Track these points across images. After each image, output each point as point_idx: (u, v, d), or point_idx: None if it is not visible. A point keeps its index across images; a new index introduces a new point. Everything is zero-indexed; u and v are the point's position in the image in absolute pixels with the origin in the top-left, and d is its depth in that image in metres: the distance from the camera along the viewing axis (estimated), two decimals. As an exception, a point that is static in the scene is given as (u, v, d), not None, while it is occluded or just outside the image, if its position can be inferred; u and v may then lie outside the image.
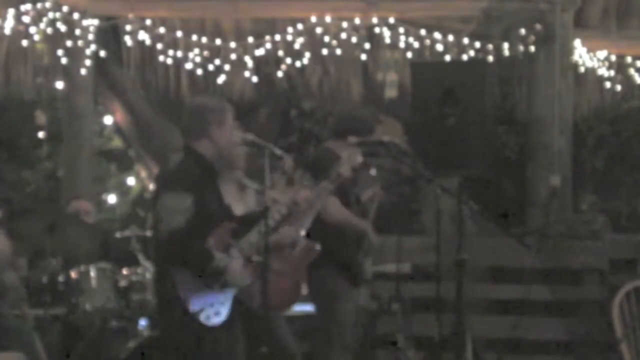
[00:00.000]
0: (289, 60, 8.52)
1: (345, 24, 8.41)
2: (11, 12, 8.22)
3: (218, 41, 8.55)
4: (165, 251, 4.72)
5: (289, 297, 5.15)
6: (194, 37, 8.53)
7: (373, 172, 5.96)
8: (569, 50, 8.49)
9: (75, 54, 8.39)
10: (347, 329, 5.77)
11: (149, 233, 6.52)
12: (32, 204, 9.86)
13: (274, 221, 4.92)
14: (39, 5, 8.28)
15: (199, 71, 8.53)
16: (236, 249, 4.78)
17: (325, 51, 8.46)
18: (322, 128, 9.43)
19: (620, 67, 9.19)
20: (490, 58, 8.26)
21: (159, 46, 8.47)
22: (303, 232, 5.32)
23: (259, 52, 8.52)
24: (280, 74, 8.61)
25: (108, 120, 10.12)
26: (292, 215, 5.20)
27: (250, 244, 4.80)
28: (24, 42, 8.29)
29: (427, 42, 8.40)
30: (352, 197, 5.88)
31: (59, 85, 8.66)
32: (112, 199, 10.65)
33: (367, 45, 8.47)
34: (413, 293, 6.85)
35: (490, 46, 8.36)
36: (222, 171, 5.13)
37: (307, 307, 5.96)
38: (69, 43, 8.32)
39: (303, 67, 8.59)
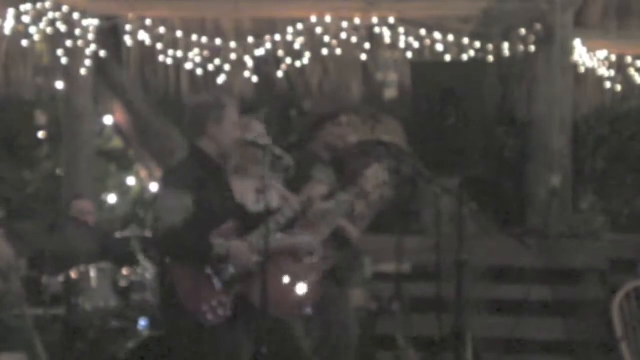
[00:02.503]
0: (289, 60, 8.52)
1: (345, 24, 8.40)
2: (11, 12, 8.22)
3: (218, 41, 8.55)
4: (164, 248, 4.75)
5: (303, 301, 5.19)
6: (194, 37, 8.53)
7: (386, 174, 5.96)
8: (569, 50, 8.48)
9: (75, 54, 8.40)
10: (340, 330, 5.74)
11: (148, 233, 6.53)
12: (32, 204, 9.88)
13: (285, 218, 4.93)
14: (39, 5, 8.27)
15: (199, 71, 8.53)
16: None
17: (325, 51, 8.45)
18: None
19: (620, 67, 9.19)
20: (490, 58, 8.26)
21: (159, 46, 8.47)
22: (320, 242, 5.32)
23: (259, 52, 8.52)
24: (280, 74, 8.61)
25: (108, 120, 10.11)
26: (309, 219, 5.23)
27: (250, 244, 4.80)
28: (24, 42, 8.29)
29: (427, 42, 8.40)
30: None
31: (59, 85, 8.66)
32: (112, 199, 10.65)
33: (367, 45, 8.46)
34: (413, 293, 6.85)
35: (490, 46, 8.36)
36: (242, 166, 5.18)
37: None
38: (69, 43, 8.32)
39: (303, 67, 8.59)
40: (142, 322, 6.07)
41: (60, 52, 8.37)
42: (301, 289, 5.08)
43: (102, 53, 8.56)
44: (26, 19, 8.24)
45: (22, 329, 5.11)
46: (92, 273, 6.10)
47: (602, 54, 9.10)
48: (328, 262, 5.29)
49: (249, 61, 8.53)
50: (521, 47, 8.35)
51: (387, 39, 8.42)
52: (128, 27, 8.43)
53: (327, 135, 5.79)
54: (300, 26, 8.45)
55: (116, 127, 10.08)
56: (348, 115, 5.93)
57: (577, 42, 8.75)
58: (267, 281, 4.71)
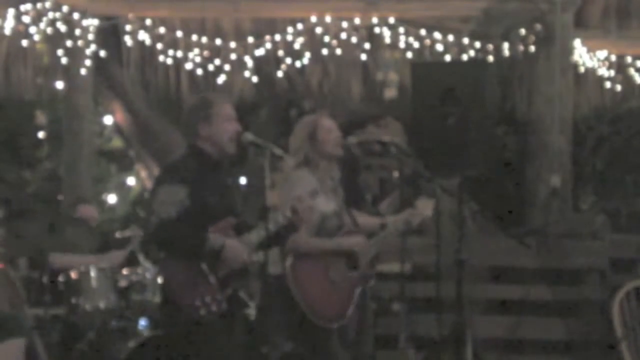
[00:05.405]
0: (289, 60, 8.52)
1: (345, 24, 8.41)
2: (11, 12, 8.22)
3: (218, 41, 8.55)
4: (156, 240, 4.77)
5: (339, 311, 5.25)
6: (194, 37, 8.53)
7: (396, 174, 5.98)
8: (569, 50, 8.48)
9: (75, 54, 8.40)
10: (345, 327, 5.75)
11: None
12: (32, 204, 9.88)
13: (274, 225, 4.92)
14: (39, 5, 8.28)
15: (199, 71, 8.53)
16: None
17: (325, 51, 8.45)
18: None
19: (620, 67, 9.19)
20: (490, 58, 8.26)
21: (159, 46, 8.47)
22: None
23: (259, 52, 8.52)
24: (280, 74, 8.61)
25: (108, 120, 10.13)
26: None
27: (250, 242, 4.80)
28: (24, 42, 8.29)
29: (427, 42, 8.40)
30: (364, 198, 5.90)
31: (59, 85, 8.65)
32: (112, 199, 10.66)
33: (367, 45, 8.47)
34: (413, 293, 6.84)
35: (490, 46, 8.36)
36: (314, 161, 5.24)
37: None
38: (69, 43, 8.32)
39: (303, 67, 8.59)
40: (142, 322, 6.07)
41: (60, 52, 8.37)
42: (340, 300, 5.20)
43: (102, 53, 8.56)
44: (26, 19, 8.24)
45: (15, 317, 5.10)
46: (92, 273, 6.10)
47: (602, 54, 9.10)
48: (365, 284, 5.38)
49: (249, 61, 8.54)
50: (521, 47, 8.35)
51: (387, 39, 8.42)
52: (128, 27, 8.43)
53: (367, 134, 5.86)
54: (300, 26, 8.45)
55: (116, 127, 10.10)
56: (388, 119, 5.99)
57: (577, 42, 8.76)
58: (310, 284, 4.82)
